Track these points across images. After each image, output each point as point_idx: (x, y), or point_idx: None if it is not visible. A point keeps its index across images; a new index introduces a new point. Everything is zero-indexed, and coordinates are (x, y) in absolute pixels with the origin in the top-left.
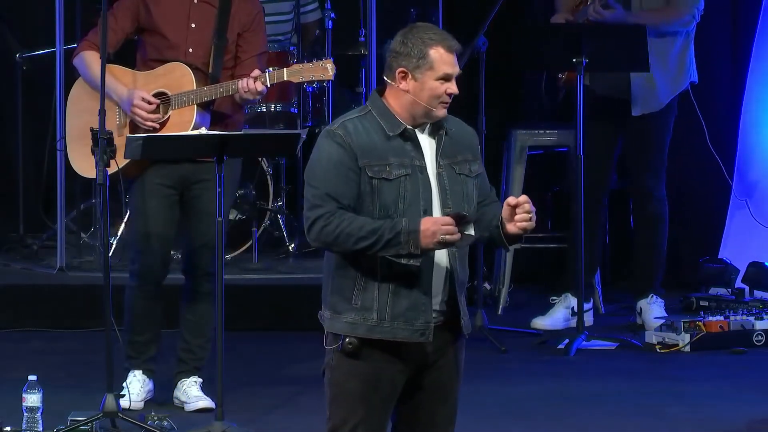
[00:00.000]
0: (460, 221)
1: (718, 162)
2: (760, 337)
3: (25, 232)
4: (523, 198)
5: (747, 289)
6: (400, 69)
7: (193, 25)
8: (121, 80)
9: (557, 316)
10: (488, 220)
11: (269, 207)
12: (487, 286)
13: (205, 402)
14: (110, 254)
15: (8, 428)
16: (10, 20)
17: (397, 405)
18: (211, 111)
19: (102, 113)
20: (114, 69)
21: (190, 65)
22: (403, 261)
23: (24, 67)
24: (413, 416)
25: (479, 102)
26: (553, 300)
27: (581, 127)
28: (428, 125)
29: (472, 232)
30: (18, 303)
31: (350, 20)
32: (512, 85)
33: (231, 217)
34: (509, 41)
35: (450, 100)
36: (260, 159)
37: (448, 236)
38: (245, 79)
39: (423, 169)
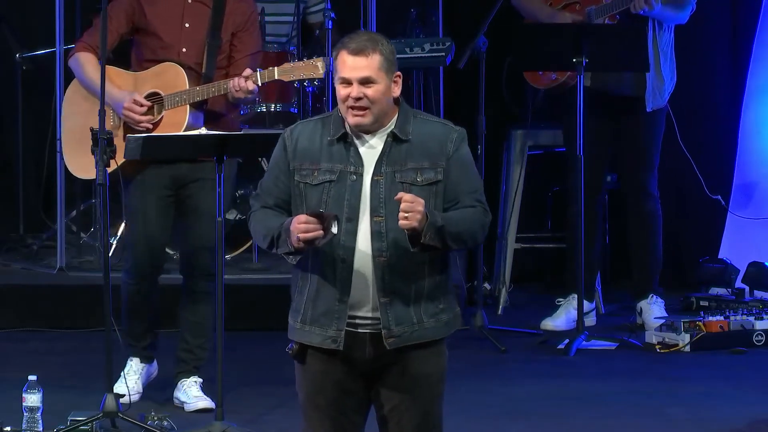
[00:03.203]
0: (322, 219)
1: (690, 159)
2: (760, 337)
3: (25, 232)
4: (405, 195)
5: (747, 289)
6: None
7: (187, 25)
8: (115, 81)
9: (565, 317)
10: None
11: None
12: (487, 286)
13: (205, 402)
14: (110, 254)
15: (8, 428)
16: (10, 20)
17: (375, 409)
18: (204, 110)
19: (102, 113)
20: (109, 70)
21: (183, 65)
22: (291, 259)
23: (24, 67)
24: (385, 423)
25: (479, 102)
26: (558, 302)
27: (581, 127)
28: (382, 132)
29: (335, 230)
30: (18, 303)
31: (350, 20)
32: (512, 86)
33: (231, 217)
34: (510, 41)
35: (358, 105)
36: (260, 159)
37: (301, 234)
38: (236, 78)
39: (359, 175)
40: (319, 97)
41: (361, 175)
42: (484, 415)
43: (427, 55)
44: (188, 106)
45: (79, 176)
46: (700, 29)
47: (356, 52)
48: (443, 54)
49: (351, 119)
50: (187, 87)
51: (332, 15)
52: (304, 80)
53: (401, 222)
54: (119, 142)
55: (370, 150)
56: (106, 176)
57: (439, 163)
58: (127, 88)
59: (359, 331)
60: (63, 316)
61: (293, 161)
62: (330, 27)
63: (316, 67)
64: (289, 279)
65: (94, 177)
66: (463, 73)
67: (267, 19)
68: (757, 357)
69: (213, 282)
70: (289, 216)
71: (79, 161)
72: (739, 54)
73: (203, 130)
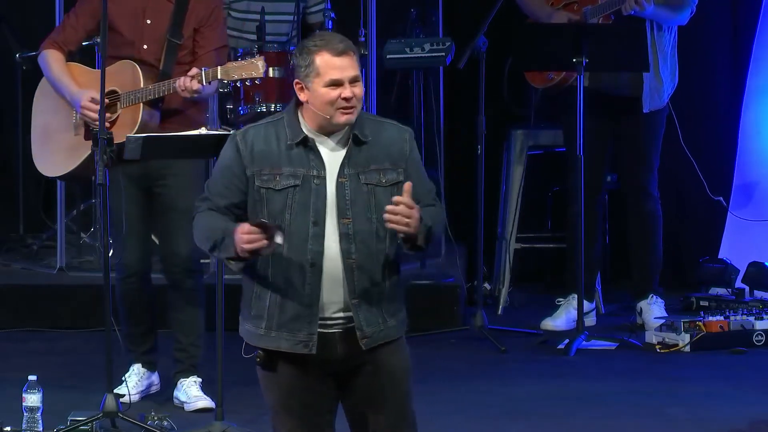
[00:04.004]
0: (266, 230)
1: (692, 161)
2: (760, 337)
3: (25, 232)
4: (401, 197)
5: (747, 289)
6: (296, 81)
7: (149, 21)
8: (78, 79)
9: (566, 317)
10: None
11: None
12: (487, 286)
13: (205, 402)
14: (110, 254)
15: (8, 428)
16: (10, 20)
17: (345, 409)
18: (160, 108)
19: (102, 113)
20: (73, 68)
21: (144, 62)
22: (232, 265)
23: (24, 67)
24: (356, 421)
25: (479, 102)
26: (558, 302)
27: (581, 127)
28: (340, 134)
29: (279, 240)
30: (18, 303)
31: (350, 20)
32: (512, 86)
33: None
34: (510, 41)
35: (350, 105)
36: None
37: (246, 245)
38: (182, 78)
39: (321, 179)
40: None
41: (324, 179)
42: (484, 415)
43: (427, 55)
44: (142, 104)
45: (45, 174)
46: (700, 29)
47: (342, 53)
48: (443, 54)
49: (342, 118)
50: (142, 85)
51: (332, 15)
52: (245, 80)
53: (392, 225)
54: (80, 141)
55: (331, 153)
56: (106, 176)
57: (400, 163)
58: (88, 85)
59: (328, 331)
60: (63, 316)
61: (251, 166)
62: (330, 27)
63: (257, 66)
64: None
65: (58, 175)
66: (463, 73)
67: (267, 18)
68: (757, 357)
69: (197, 279)
70: (237, 221)
71: (45, 158)
72: (739, 54)
73: (203, 130)
